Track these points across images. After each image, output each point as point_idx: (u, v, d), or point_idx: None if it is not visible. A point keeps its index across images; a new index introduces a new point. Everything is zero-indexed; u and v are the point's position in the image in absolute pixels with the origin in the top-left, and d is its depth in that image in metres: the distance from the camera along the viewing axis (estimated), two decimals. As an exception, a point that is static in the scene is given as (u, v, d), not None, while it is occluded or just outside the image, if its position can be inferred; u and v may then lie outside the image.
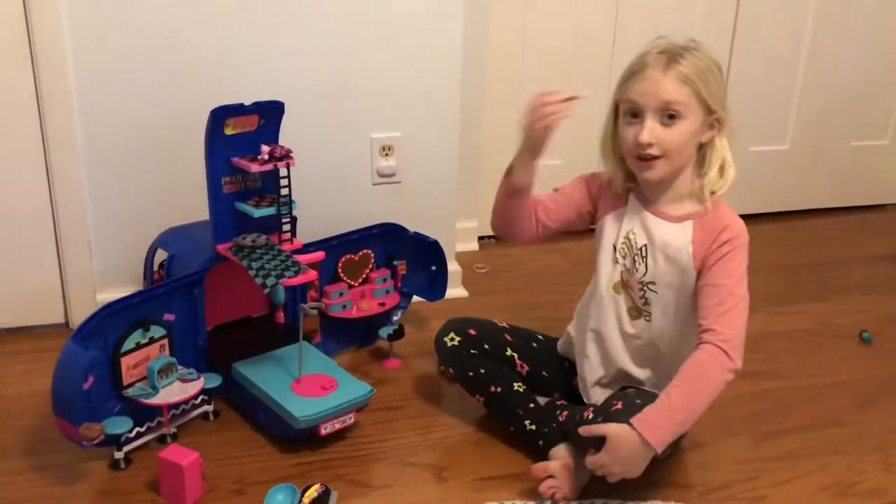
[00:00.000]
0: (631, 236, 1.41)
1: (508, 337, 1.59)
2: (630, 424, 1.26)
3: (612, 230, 1.45)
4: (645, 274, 1.40)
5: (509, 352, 1.58)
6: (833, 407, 1.70)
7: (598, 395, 1.49)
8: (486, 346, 1.56)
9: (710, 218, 1.37)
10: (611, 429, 1.28)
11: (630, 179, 1.43)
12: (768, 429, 1.62)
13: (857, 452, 1.56)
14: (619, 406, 1.33)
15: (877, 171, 2.84)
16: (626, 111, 1.35)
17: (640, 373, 1.47)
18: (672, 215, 1.39)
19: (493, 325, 1.60)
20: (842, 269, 2.40)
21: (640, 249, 1.40)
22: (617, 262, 1.44)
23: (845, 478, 1.49)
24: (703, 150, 1.37)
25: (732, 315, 1.31)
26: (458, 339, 1.55)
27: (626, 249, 1.42)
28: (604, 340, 1.47)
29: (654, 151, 1.32)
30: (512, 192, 1.44)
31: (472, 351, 1.55)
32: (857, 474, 1.50)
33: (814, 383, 1.79)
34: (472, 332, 1.56)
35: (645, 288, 1.41)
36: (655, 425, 1.26)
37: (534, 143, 1.37)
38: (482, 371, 1.53)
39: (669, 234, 1.38)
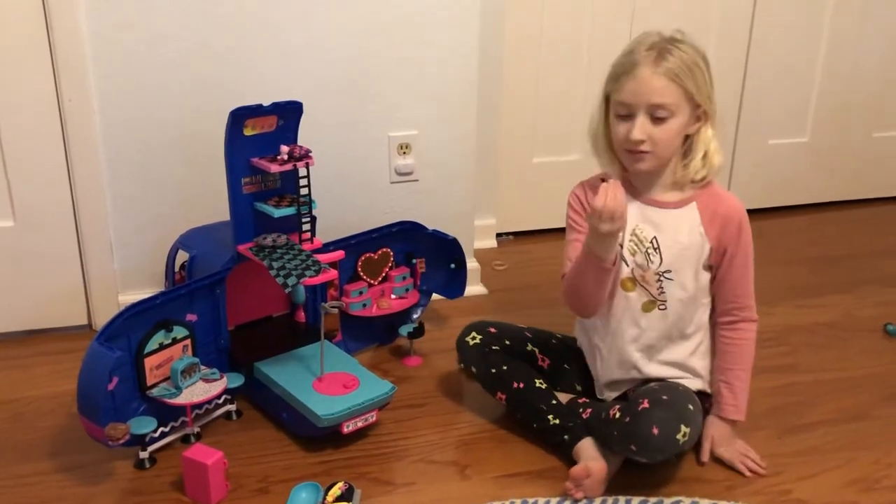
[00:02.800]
0: (638, 232, 1.44)
1: (528, 334, 1.62)
2: (723, 417, 1.48)
3: None
4: (661, 264, 1.43)
5: (530, 347, 1.59)
6: (858, 401, 1.69)
7: (610, 391, 1.53)
8: (507, 342, 1.58)
9: (711, 199, 1.43)
10: (711, 435, 1.48)
11: (623, 170, 1.46)
12: (793, 423, 1.61)
13: (883, 446, 1.54)
14: (646, 404, 1.35)
15: (899, 163, 2.81)
16: (617, 108, 1.39)
17: (654, 368, 1.48)
18: (671, 202, 1.44)
19: (513, 325, 1.63)
20: (865, 261, 2.37)
21: (652, 241, 1.43)
22: (625, 260, 1.45)
23: (872, 472, 1.47)
24: (689, 139, 1.42)
25: (752, 287, 1.47)
26: (479, 337, 1.57)
27: (636, 246, 1.44)
28: (611, 346, 1.50)
29: (645, 147, 1.37)
30: (605, 274, 1.39)
31: (493, 347, 1.56)
32: (883, 468, 1.48)
33: (838, 377, 1.77)
34: (493, 330, 1.59)
35: (662, 278, 1.44)
36: (744, 408, 1.48)
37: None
38: (504, 368, 1.54)
39: (678, 221, 1.43)
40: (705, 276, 1.45)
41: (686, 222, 1.43)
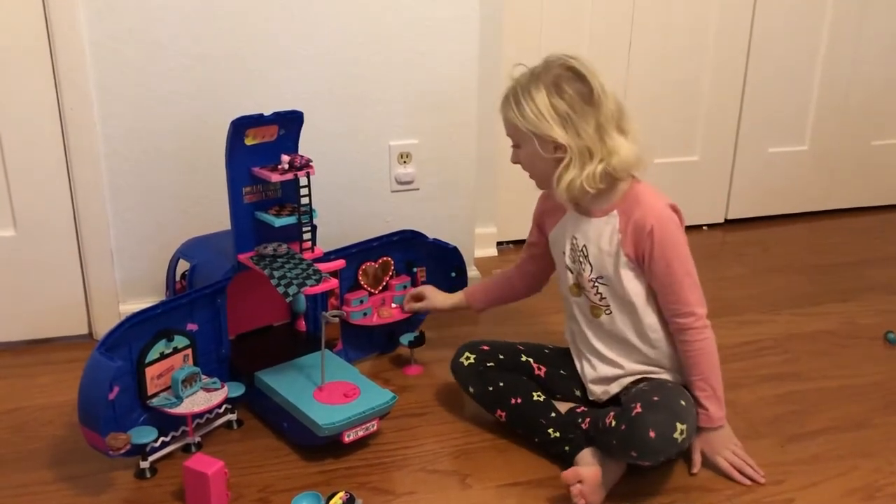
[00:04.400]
0: (574, 241, 1.50)
1: (520, 346, 1.63)
2: (702, 427, 1.45)
3: (558, 241, 1.55)
4: (591, 271, 1.48)
5: (524, 357, 1.60)
6: (859, 409, 1.68)
7: (597, 392, 1.55)
8: (501, 357, 1.59)
9: (629, 206, 1.44)
10: (699, 447, 1.47)
11: None
12: (794, 431, 1.61)
13: (885, 454, 1.54)
14: (639, 409, 1.36)
15: (898, 171, 2.81)
16: None
17: (634, 366, 1.50)
18: (597, 210, 1.47)
19: (503, 340, 1.65)
20: (865, 269, 2.37)
21: (582, 250, 1.48)
22: (569, 268, 1.52)
23: (874, 480, 1.47)
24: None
25: (694, 289, 1.44)
26: (472, 356, 1.58)
27: (573, 254, 1.50)
28: (589, 348, 1.54)
29: (523, 170, 1.49)
30: (488, 307, 1.79)
31: (488, 364, 1.58)
32: (885, 476, 1.48)
33: (839, 385, 1.77)
34: (485, 347, 1.60)
35: (596, 284, 1.48)
36: (717, 415, 1.45)
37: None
38: (501, 384, 1.55)
39: (599, 228, 1.46)
40: (633, 281, 1.45)
41: (608, 230, 1.45)
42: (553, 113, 1.39)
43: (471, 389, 1.58)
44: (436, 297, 1.79)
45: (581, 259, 1.49)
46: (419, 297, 1.80)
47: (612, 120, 1.40)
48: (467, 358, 1.58)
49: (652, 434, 1.32)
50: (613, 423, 1.38)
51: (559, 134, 1.38)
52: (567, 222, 1.52)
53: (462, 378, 1.60)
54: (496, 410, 1.55)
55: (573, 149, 1.39)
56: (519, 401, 1.52)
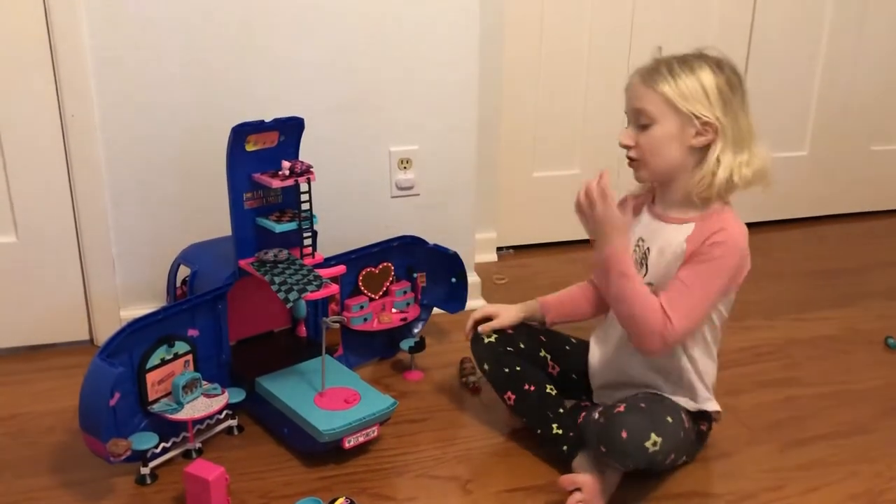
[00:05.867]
0: (640, 244, 1.46)
1: (542, 338, 1.61)
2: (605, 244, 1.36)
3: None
4: (645, 276, 1.43)
5: (543, 352, 1.59)
6: (859, 414, 1.69)
7: (603, 397, 1.53)
8: (522, 346, 1.57)
9: (711, 220, 1.39)
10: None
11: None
12: (794, 437, 1.61)
13: (885, 460, 1.54)
14: (622, 408, 1.35)
15: (898, 176, 2.81)
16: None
17: (646, 377, 1.47)
18: (675, 218, 1.42)
19: (528, 326, 1.62)
20: (865, 274, 2.38)
21: (644, 253, 1.44)
22: None
23: (874, 485, 1.47)
24: (704, 155, 1.37)
25: (686, 305, 1.35)
26: (495, 335, 1.56)
27: (636, 256, 1.46)
28: (605, 348, 1.52)
29: (632, 154, 1.40)
30: (560, 322, 1.63)
31: (508, 348, 1.56)
32: (886, 482, 1.48)
33: (839, 390, 1.77)
34: (510, 331, 1.58)
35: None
36: (622, 252, 1.35)
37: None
38: (518, 368, 1.52)
39: (669, 235, 1.41)
40: None
41: (676, 238, 1.40)
42: (716, 91, 1.33)
43: (485, 366, 1.56)
44: (508, 313, 1.60)
45: (640, 262, 1.44)
46: (489, 318, 1.61)
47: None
48: (489, 335, 1.56)
49: (623, 434, 1.30)
50: (597, 416, 1.38)
51: (717, 113, 1.32)
52: (638, 226, 1.47)
53: (479, 353, 1.57)
54: (506, 392, 1.53)
55: (727, 131, 1.33)
56: (532, 388, 1.51)
